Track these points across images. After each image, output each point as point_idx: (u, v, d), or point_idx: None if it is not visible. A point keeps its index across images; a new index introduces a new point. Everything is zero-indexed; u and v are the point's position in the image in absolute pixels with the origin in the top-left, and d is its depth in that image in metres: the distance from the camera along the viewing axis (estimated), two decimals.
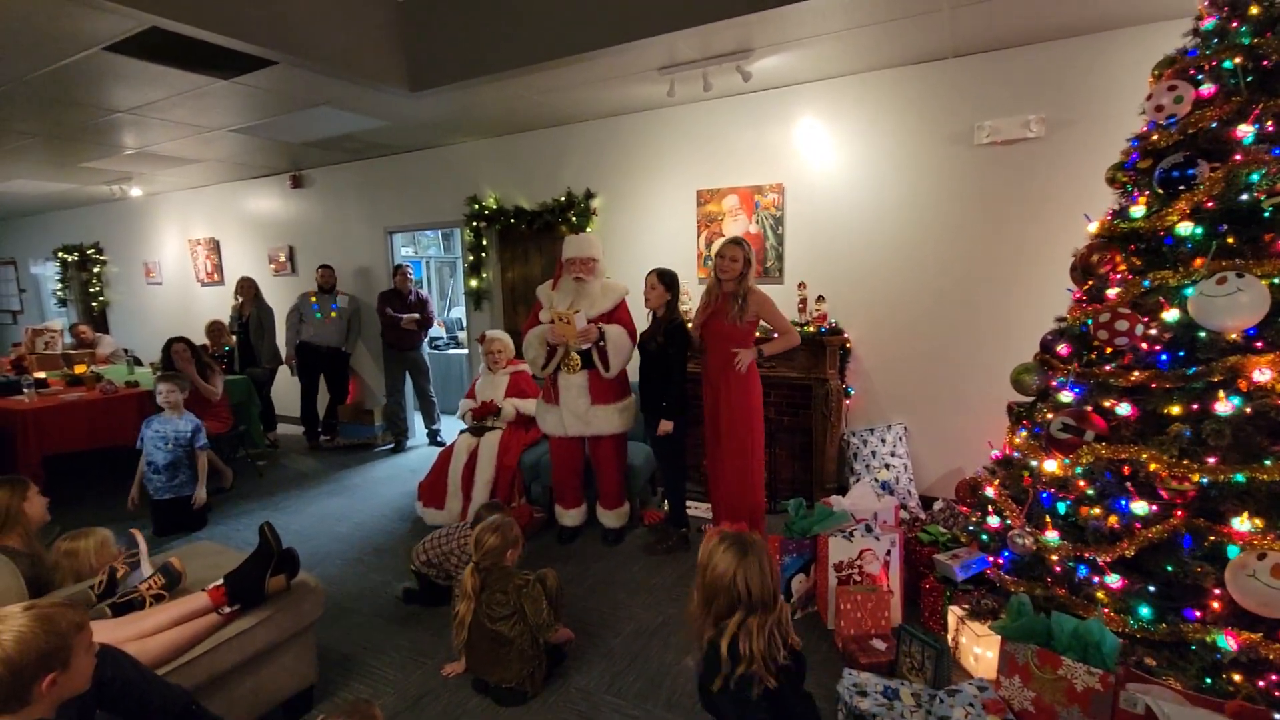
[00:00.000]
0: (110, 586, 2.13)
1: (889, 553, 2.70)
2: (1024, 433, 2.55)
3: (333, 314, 5.71)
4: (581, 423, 3.41)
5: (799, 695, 1.75)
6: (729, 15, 3.00)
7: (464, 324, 6.49)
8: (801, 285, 3.96)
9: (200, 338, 5.48)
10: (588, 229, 4.72)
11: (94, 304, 8.77)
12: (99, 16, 2.83)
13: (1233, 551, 1.88)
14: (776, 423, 4.02)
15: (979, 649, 2.31)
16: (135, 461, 4.00)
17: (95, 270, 8.66)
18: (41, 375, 5.11)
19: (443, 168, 5.52)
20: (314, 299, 5.70)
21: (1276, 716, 1.68)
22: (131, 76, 3.59)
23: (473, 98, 4.13)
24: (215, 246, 7.29)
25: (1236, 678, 1.85)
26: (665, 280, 3.40)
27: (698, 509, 3.83)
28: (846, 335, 3.92)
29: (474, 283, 5.47)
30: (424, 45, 3.81)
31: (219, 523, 4.11)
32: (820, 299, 3.89)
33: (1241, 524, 1.86)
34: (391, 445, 5.80)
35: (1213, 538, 1.92)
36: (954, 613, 2.43)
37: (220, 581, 2.04)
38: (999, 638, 2.12)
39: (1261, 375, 1.90)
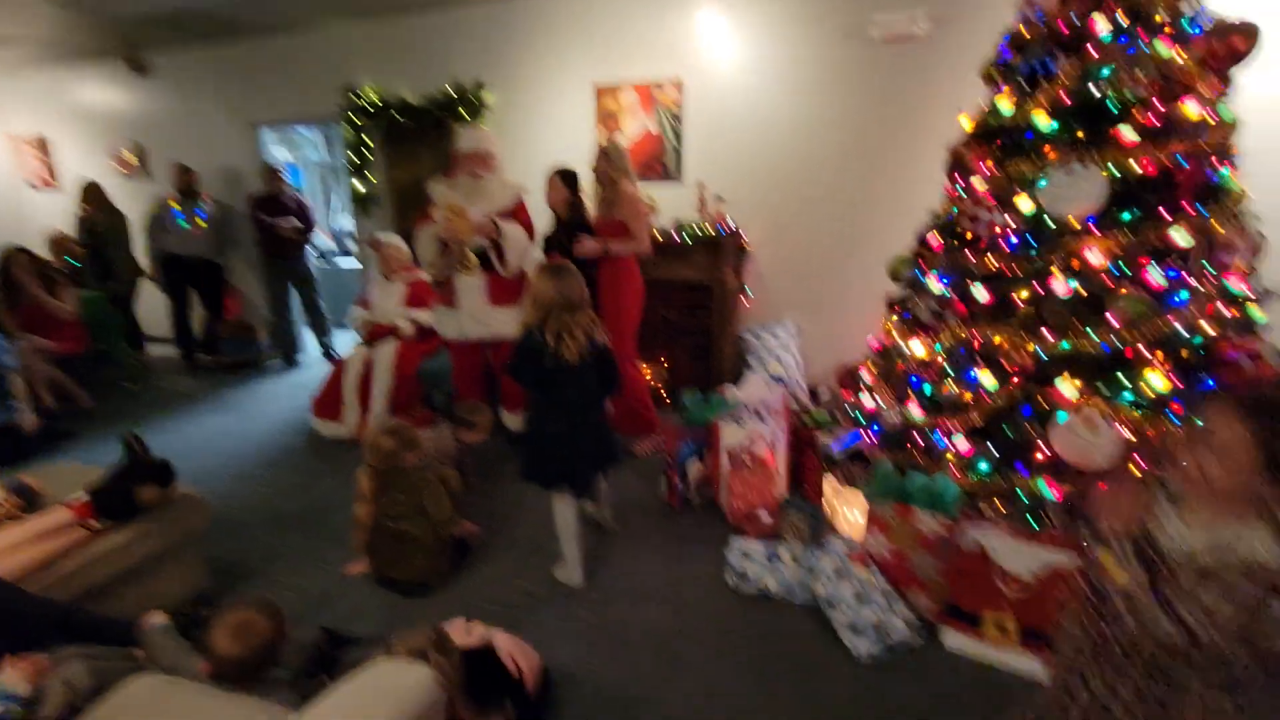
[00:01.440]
0: None
1: (776, 436, 2.90)
2: (896, 320, 2.76)
3: (200, 222, 5.15)
4: (481, 325, 3.33)
5: (601, 374, 2.35)
6: None
7: (353, 233, 6.06)
8: (700, 185, 3.95)
9: (40, 250, 4.81)
10: (480, 125, 4.44)
11: None
12: None
13: (1061, 416, 2.16)
14: (677, 324, 4.11)
15: (851, 514, 2.57)
16: None
17: None
18: None
19: (313, 54, 4.93)
20: (175, 205, 5.09)
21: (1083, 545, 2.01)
22: None
23: None
24: (44, 146, 6.29)
25: (1054, 518, 2.18)
26: (566, 180, 3.31)
27: None
28: (744, 236, 3.99)
29: (359, 186, 5.06)
30: None
31: (87, 447, 3.79)
32: (719, 199, 3.91)
33: (1065, 386, 2.12)
34: (281, 362, 5.47)
35: (1043, 401, 2.19)
36: (829, 483, 2.67)
37: (83, 495, 1.90)
38: (867, 503, 2.37)
39: (1093, 257, 2.12)
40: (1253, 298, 2.17)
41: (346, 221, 7.25)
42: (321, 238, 7.24)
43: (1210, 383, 2.07)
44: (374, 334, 3.89)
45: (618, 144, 3.28)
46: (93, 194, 5.23)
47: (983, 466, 2.26)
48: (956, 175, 2.62)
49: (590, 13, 4.09)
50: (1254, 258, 2.17)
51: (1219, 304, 2.10)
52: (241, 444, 3.82)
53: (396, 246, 4.01)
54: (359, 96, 4.77)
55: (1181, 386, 2.04)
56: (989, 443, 2.31)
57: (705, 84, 3.94)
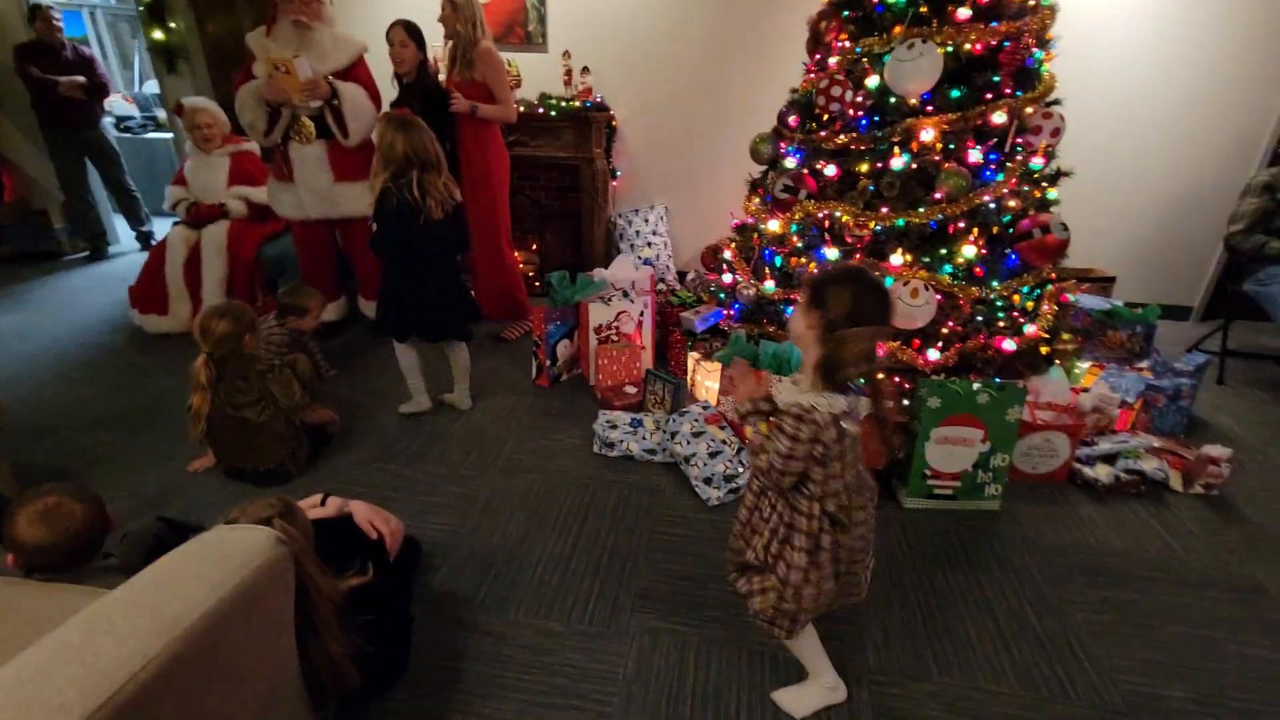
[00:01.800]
0: None
1: (642, 314, 2.97)
2: (756, 200, 2.84)
3: None
4: (326, 203, 3.02)
5: (458, 230, 2.43)
6: None
7: (161, 98, 5.14)
8: (566, 54, 3.71)
9: None
10: None
11: None
12: None
13: (889, 282, 2.37)
14: (547, 207, 3.99)
15: (709, 383, 2.74)
16: None
17: None
18: None
19: None
20: None
21: (900, 397, 2.29)
22: None
23: None
24: None
25: (879, 376, 2.45)
26: (413, 35, 2.95)
27: None
28: (613, 112, 3.85)
29: (158, 34, 4.23)
30: None
31: None
32: (585, 70, 3.71)
33: (897, 259, 2.33)
34: (86, 253, 4.71)
35: (877, 272, 2.39)
36: (692, 357, 2.82)
37: None
38: (720, 368, 2.53)
39: (926, 135, 2.27)
40: (1050, 176, 2.45)
41: (152, 87, 6.12)
42: (122, 103, 6.11)
43: (1012, 255, 2.36)
44: (198, 215, 3.42)
45: None
46: None
47: None
48: (816, 52, 2.65)
49: None
50: (1054, 140, 2.43)
51: (1022, 183, 2.35)
52: (47, 345, 3.32)
53: (211, 113, 3.45)
54: None
55: (987, 254, 2.30)
56: None
57: None
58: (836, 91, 2.41)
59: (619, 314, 2.91)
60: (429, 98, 2.97)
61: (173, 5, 4.17)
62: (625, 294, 2.98)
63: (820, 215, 2.48)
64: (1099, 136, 3.49)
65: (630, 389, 2.80)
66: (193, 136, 3.46)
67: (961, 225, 2.29)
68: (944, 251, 2.32)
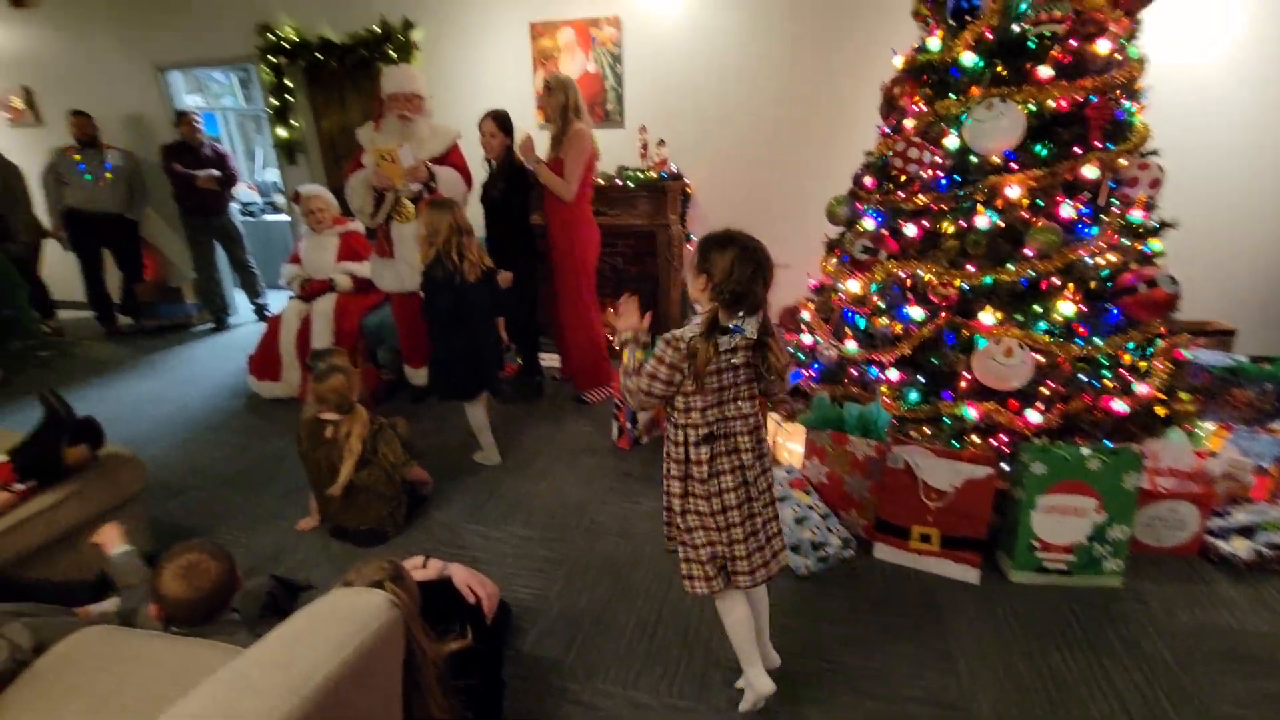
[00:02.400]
0: None
1: None
2: (834, 260, 2.85)
3: (107, 174, 4.77)
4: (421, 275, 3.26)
5: (486, 293, 2.75)
6: None
7: (280, 185, 5.75)
8: (642, 129, 3.92)
9: None
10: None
11: None
12: None
13: (981, 342, 2.30)
14: (624, 272, 4.12)
15: (792, 445, 2.70)
16: None
17: None
18: None
19: None
20: (76, 156, 4.70)
21: (999, 461, 2.18)
22: None
23: None
24: None
25: (976, 439, 2.35)
26: (502, 125, 3.21)
27: (551, 359, 3.93)
28: (687, 180, 3.99)
29: (282, 132, 4.78)
30: None
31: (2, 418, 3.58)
32: (661, 143, 3.89)
33: (987, 318, 2.26)
34: (211, 324, 5.23)
35: (965, 331, 2.33)
36: (772, 418, 2.79)
37: (3, 457, 1.82)
38: (805, 433, 2.49)
39: (1012, 192, 2.23)
40: (1153, 229, 2.34)
41: (272, 174, 6.85)
42: (245, 190, 6.84)
43: (1115, 310, 2.24)
44: (310, 290, 3.75)
45: (567, 77, 3.12)
46: None
47: (913, 396, 2.40)
48: (890, 116, 2.69)
49: None
50: (1154, 191, 2.33)
51: (1121, 236, 2.25)
52: (176, 409, 3.67)
53: (323, 198, 3.83)
54: (276, 35, 4.46)
55: (1086, 311, 2.20)
56: (918, 373, 2.45)
57: (645, 23, 3.86)
58: (914, 154, 2.42)
59: None
60: (513, 178, 3.20)
61: (295, 107, 4.71)
62: None
63: (902, 274, 2.45)
64: (1207, 185, 3.31)
65: None
66: (307, 219, 3.84)
67: (1056, 282, 2.21)
68: (1038, 309, 2.24)
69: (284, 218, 5.96)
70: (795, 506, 2.22)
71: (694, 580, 1.52)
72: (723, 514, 1.46)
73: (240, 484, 2.84)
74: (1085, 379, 2.23)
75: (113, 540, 1.66)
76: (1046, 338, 2.21)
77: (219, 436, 3.31)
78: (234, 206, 5.14)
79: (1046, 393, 2.21)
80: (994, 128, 2.18)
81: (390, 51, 4.25)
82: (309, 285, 3.76)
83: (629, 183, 3.84)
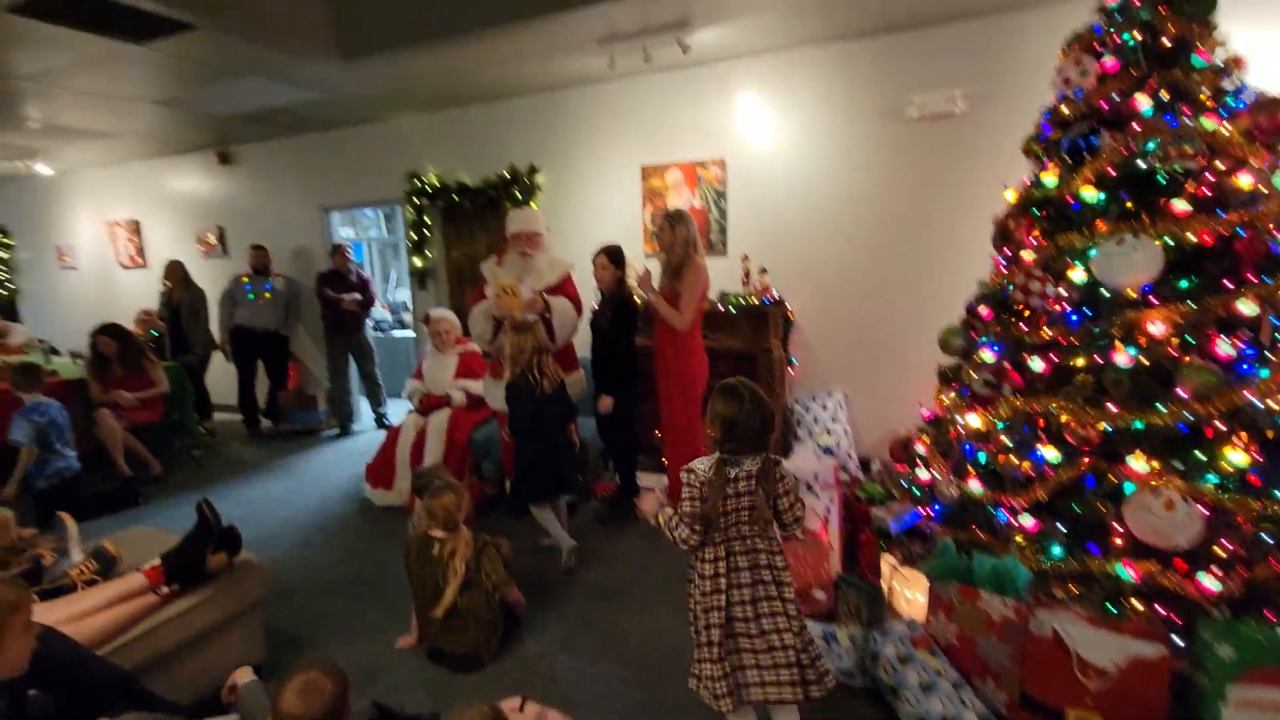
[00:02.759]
0: (36, 574, 2.05)
1: (828, 510, 2.83)
2: (951, 392, 2.71)
3: (267, 295, 5.49)
4: None
5: (561, 402, 3.05)
6: None
7: (409, 305, 6.36)
8: (745, 258, 4.05)
9: (127, 326, 5.20)
10: (532, 205, 4.69)
11: (2, 291, 8.18)
12: None
13: (1129, 489, 2.06)
14: None
15: (910, 594, 2.45)
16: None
17: (2, 256, 8.08)
18: None
19: (382, 143, 5.36)
20: (246, 280, 5.47)
21: (1171, 635, 1.87)
22: (29, 39, 3.34)
23: (410, 69, 4.02)
24: (136, 228, 6.89)
25: (1136, 604, 2.04)
26: (614, 259, 3.42)
27: (649, 480, 3.90)
28: (788, 306, 4.03)
29: (418, 262, 5.36)
30: (356, 10, 3.67)
31: (156, 512, 3.96)
32: (763, 271, 3.99)
33: (1138, 464, 2.03)
34: (337, 430, 5.67)
35: (1113, 478, 2.09)
36: (887, 561, 2.57)
37: (156, 561, 1.99)
38: (928, 583, 2.27)
39: (1155, 328, 2.07)
40: None
41: (403, 294, 7.62)
42: (379, 309, 7.61)
43: None
44: (428, 404, 4.02)
45: (687, 213, 3.26)
46: (174, 272, 5.68)
47: (1055, 550, 2.14)
48: (1004, 247, 2.63)
49: (637, 100, 4.36)
50: None
51: None
52: (298, 511, 3.92)
53: (449, 321, 4.18)
54: (421, 181, 5.12)
55: (1261, 460, 1.93)
56: (1057, 522, 2.20)
57: (748, 162, 4.10)
58: (1035, 287, 2.33)
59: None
60: (620, 307, 3.37)
61: (430, 240, 5.30)
62: (809, 487, 2.88)
63: (1033, 411, 2.29)
64: None
65: (819, 593, 2.59)
66: (434, 340, 4.18)
67: (1222, 427, 1.97)
68: (1201, 455, 1.99)
69: (410, 334, 6.53)
70: (921, 670, 1.98)
71: (707, 696, 1.67)
72: (742, 656, 1.68)
73: (345, 592, 2.93)
74: (1270, 540, 1.91)
75: (243, 672, 1.74)
76: (1216, 490, 1.94)
77: (330, 540, 3.48)
78: (368, 323, 5.73)
79: (1223, 554, 1.91)
80: (1127, 262, 2.07)
81: (516, 193, 4.74)
82: (427, 399, 4.03)
83: (731, 308, 3.92)
